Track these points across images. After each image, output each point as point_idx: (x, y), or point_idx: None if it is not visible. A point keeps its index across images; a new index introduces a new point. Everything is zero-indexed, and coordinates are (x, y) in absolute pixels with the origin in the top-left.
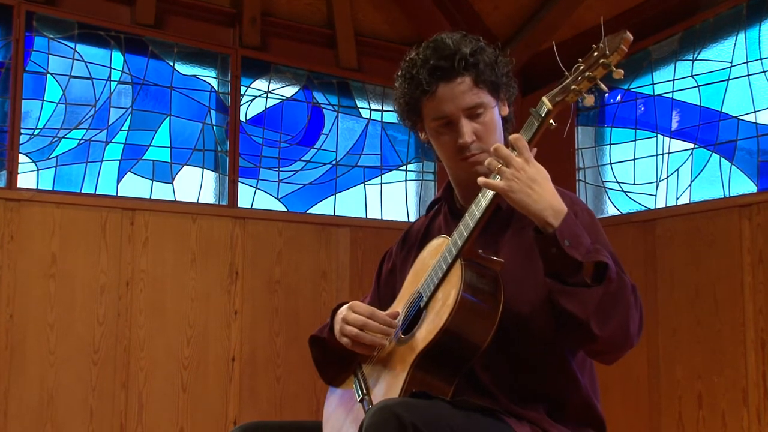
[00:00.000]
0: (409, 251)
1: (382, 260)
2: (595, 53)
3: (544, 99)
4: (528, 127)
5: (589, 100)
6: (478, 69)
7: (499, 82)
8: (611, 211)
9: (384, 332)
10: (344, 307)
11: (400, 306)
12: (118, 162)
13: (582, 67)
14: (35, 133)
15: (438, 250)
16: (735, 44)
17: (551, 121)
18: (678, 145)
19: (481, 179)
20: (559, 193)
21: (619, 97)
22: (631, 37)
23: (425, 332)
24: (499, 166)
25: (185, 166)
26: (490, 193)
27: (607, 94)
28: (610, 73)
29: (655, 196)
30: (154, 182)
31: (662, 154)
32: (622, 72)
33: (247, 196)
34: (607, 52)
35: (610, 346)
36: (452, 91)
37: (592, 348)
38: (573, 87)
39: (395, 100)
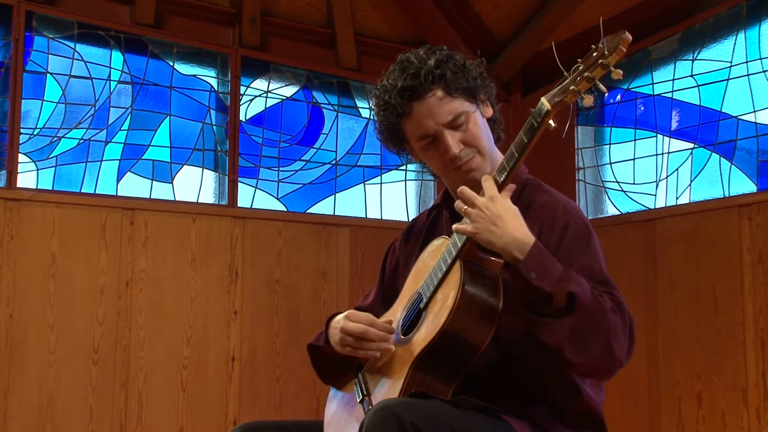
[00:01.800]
0: (413, 247)
1: (385, 256)
2: (594, 53)
3: (543, 99)
4: (527, 127)
5: (588, 100)
6: (446, 79)
7: (472, 86)
8: (611, 210)
9: (384, 339)
10: (340, 316)
11: (400, 307)
12: (117, 162)
13: (581, 68)
14: (35, 133)
15: (438, 250)
16: (735, 44)
17: (550, 121)
18: (678, 144)
19: (454, 225)
20: (555, 201)
21: (618, 96)
22: (630, 38)
23: (424, 333)
24: (465, 208)
25: (185, 166)
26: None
27: (606, 95)
28: (609, 73)
29: (655, 195)
30: (153, 182)
31: (662, 154)
32: (621, 72)
33: (246, 195)
34: (606, 52)
35: (592, 369)
36: (427, 106)
37: (575, 372)
38: (572, 87)
39: (377, 132)
